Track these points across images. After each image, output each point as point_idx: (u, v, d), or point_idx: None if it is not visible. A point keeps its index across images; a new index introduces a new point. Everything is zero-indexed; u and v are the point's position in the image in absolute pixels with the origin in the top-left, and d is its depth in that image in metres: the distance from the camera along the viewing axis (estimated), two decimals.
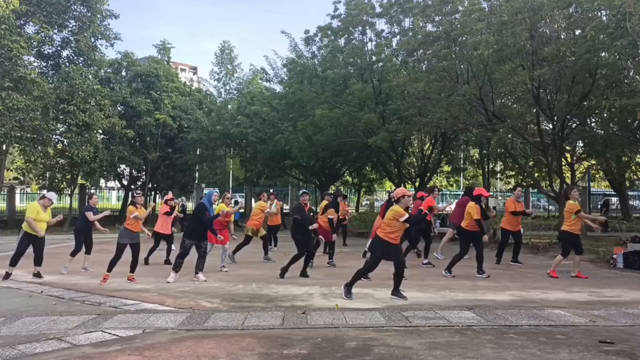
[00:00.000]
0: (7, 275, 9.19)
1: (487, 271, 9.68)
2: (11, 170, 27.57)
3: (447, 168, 27.71)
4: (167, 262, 11.36)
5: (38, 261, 9.41)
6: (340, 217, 11.98)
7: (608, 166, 21.78)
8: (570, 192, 9.87)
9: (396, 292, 7.46)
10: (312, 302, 7.26)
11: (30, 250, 9.36)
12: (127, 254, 9.04)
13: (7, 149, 23.40)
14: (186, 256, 9.17)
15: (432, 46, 16.34)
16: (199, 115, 26.23)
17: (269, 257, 12.06)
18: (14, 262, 9.31)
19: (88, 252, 10.44)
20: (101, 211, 11.00)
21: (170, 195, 12.16)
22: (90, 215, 10.23)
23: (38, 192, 27.64)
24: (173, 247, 11.92)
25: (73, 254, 10.26)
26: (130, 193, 28.64)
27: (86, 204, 11.43)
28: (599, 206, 27.79)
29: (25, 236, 9.30)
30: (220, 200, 10.34)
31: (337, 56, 21.06)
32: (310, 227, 9.53)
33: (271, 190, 14.68)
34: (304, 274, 9.51)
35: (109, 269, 8.88)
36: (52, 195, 9.85)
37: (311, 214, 9.75)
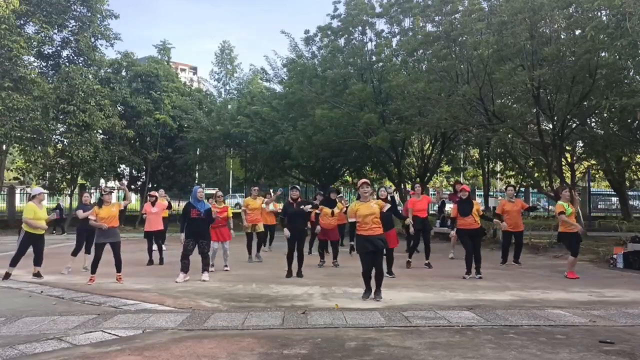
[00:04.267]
0: (7, 275, 9.20)
1: (469, 275, 9.48)
2: (11, 170, 27.58)
3: (447, 168, 27.69)
4: (161, 261, 11.42)
5: (38, 261, 9.41)
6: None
7: (608, 166, 21.77)
8: (560, 192, 9.85)
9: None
10: (312, 302, 7.26)
11: (30, 250, 9.36)
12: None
13: (7, 149, 23.41)
14: (189, 256, 9.14)
15: (432, 46, 16.34)
16: (199, 115, 26.23)
17: (259, 255, 12.00)
18: (14, 262, 9.32)
19: (88, 251, 10.38)
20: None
21: (158, 192, 12.48)
22: (80, 213, 10.22)
23: None
24: (164, 246, 11.99)
25: (74, 253, 10.29)
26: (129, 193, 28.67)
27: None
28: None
29: (27, 236, 9.30)
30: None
31: (337, 56, 21.06)
32: (316, 232, 9.54)
33: (271, 191, 14.67)
34: (299, 273, 9.52)
35: (92, 271, 8.81)
36: (38, 190, 9.97)
37: (301, 206, 9.71)
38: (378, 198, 8.67)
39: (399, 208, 10.91)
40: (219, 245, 10.39)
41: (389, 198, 9.81)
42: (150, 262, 11.34)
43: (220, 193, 10.89)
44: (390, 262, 9.42)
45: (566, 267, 9.69)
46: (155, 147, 25.91)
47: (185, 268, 9.11)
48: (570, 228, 9.47)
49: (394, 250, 9.51)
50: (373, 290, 7.44)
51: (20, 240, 9.45)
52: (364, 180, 7.58)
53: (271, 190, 12.86)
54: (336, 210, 10.66)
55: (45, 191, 10.36)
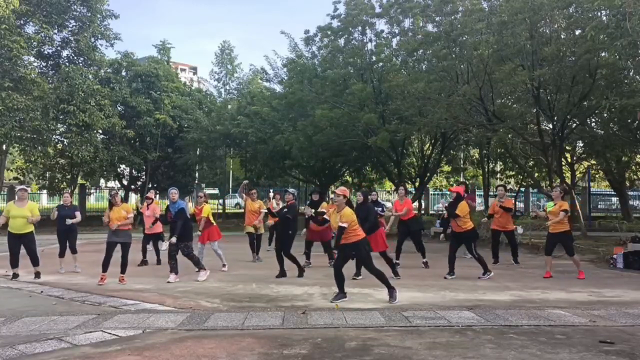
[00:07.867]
0: (14, 276, 9.22)
1: (451, 274, 9.48)
2: (11, 170, 27.58)
3: (447, 168, 27.69)
4: (159, 261, 11.40)
5: (33, 262, 9.32)
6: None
7: (608, 166, 21.77)
8: (552, 192, 9.86)
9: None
10: (312, 302, 7.26)
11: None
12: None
13: (7, 149, 23.41)
14: (174, 257, 9.04)
15: (432, 46, 16.35)
16: (199, 115, 26.23)
17: (259, 256, 12.02)
18: (12, 263, 9.30)
19: (73, 251, 10.26)
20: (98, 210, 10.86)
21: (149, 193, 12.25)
22: (54, 213, 10.16)
23: (38, 192, 27.68)
24: (162, 246, 11.94)
25: (60, 254, 10.23)
26: (129, 193, 28.69)
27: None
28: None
29: (9, 235, 9.22)
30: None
31: (337, 56, 21.06)
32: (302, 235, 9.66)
33: (271, 191, 14.62)
34: (299, 273, 9.51)
35: (104, 270, 8.78)
36: (19, 187, 9.76)
37: (285, 209, 9.73)
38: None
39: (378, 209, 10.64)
40: (203, 247, 10.32)
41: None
42: (144, 262, 11.26)
43: (201, 194, 10.76)
44: (390, 264, 9.38)
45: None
46: (155, 147, 25.90)
47: (173, 269, 9.04)
48: (557, 228, 9.46)
49: (386, 252, 9.40)
50: (347, 295, 7.36)
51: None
52: (337, 189, 7.67)
53: (270, 192, 12.77)
54: (323, 207, 10.58)
55: (24, 187, 10.12)
